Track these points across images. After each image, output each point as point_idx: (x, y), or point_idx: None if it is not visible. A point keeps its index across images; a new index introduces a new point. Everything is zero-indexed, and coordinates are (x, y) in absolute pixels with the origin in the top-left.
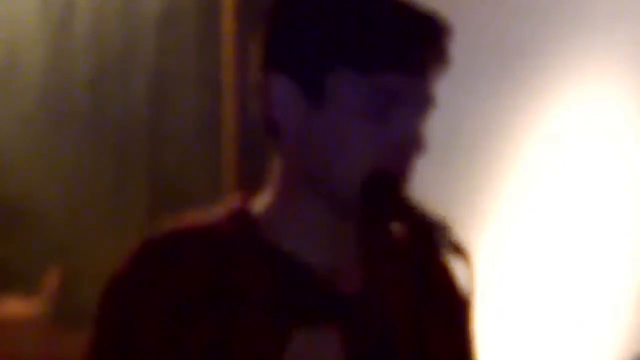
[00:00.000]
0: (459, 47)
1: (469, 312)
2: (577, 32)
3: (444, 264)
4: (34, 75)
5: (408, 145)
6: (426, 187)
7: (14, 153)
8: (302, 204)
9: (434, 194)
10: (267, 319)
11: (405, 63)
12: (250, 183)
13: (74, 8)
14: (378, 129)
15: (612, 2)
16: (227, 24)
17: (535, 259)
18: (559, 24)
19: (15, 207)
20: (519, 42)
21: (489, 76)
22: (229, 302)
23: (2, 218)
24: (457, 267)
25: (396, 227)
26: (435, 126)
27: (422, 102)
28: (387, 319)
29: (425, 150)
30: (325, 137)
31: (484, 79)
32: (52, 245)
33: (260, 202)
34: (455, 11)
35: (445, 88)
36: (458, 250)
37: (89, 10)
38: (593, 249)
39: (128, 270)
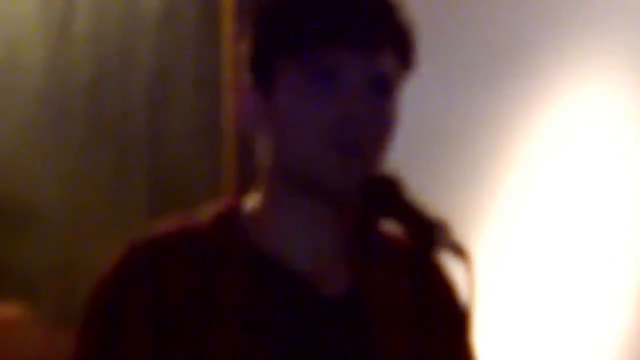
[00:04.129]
0: (460, 47)
1: (468, 324)
2: (577, 31)
3: (444, 274)
4: (34, 75)
5: (364, 119)
6: (426, 187)
7: (13, 153)
8: (287, 204)
9: (434, 194)
10: (250, 322)
11: (336, 38)
12: (250, 183)
13: (74, 8)
14: (326, 104)
15: (612, 2)
16: (227, 24)
17: (536, 259)
18: (559, 23)
19: (14, 207)
20: (519, 41)
21: (489, 76)
22: (213, 306)
23: (1, 218)
24: (456, 268)
25: (394, 228)
26: (435, 126)
27: (371, 76)
28: (373, 322)
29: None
30: (281, 123)
31: (483, 79)
32: (52, 246)
33: (251, 203)
34: (455, 11)
35: (445, 88)
36: (458, 250)
37: (89, 10)
38: (593, 249)
39: (114, 275)
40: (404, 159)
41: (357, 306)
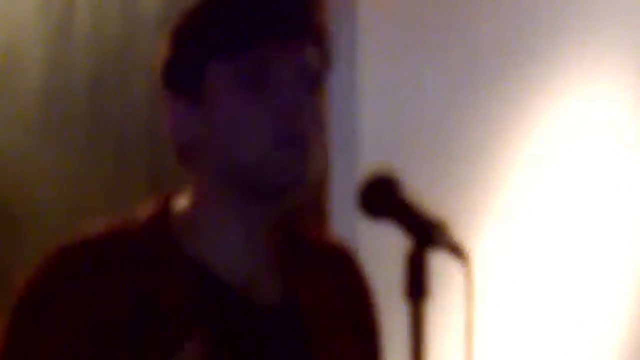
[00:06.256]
0: (461, 47)
1: (379, 340)
2: (577, 29)
3: (366, 282)
4: (34, 76)
5: (300, 108)
6: (426, 187)
7: (13, 153)
8: (221, 212)
9: (434, 194)
10: (180, 330)
11: (263, 34)
12: None
13: (74, 8)
14: (263, 104)
15: (612, 2)
16: None
17: (535, 258)
18: (559, 22)
19: (13, 207)
20: (520, 40)
21: (489, 75)
22: (141, 312)
23: (0, 218)
24: (455, 268)
25: (394, 227)
26: (435, 126)
27: (300, 69)
28: (306, 332)
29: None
30: (220, 130)
31: (483, 79)
32: (50, 246)
33: (182, 205)
34: (456, 10)
35: (445, 88)
36: (457, 250)
37: (89, 10)
38: (593, 249)
39: (39, 279)
40: (404, 159)
41: (291, 315)
